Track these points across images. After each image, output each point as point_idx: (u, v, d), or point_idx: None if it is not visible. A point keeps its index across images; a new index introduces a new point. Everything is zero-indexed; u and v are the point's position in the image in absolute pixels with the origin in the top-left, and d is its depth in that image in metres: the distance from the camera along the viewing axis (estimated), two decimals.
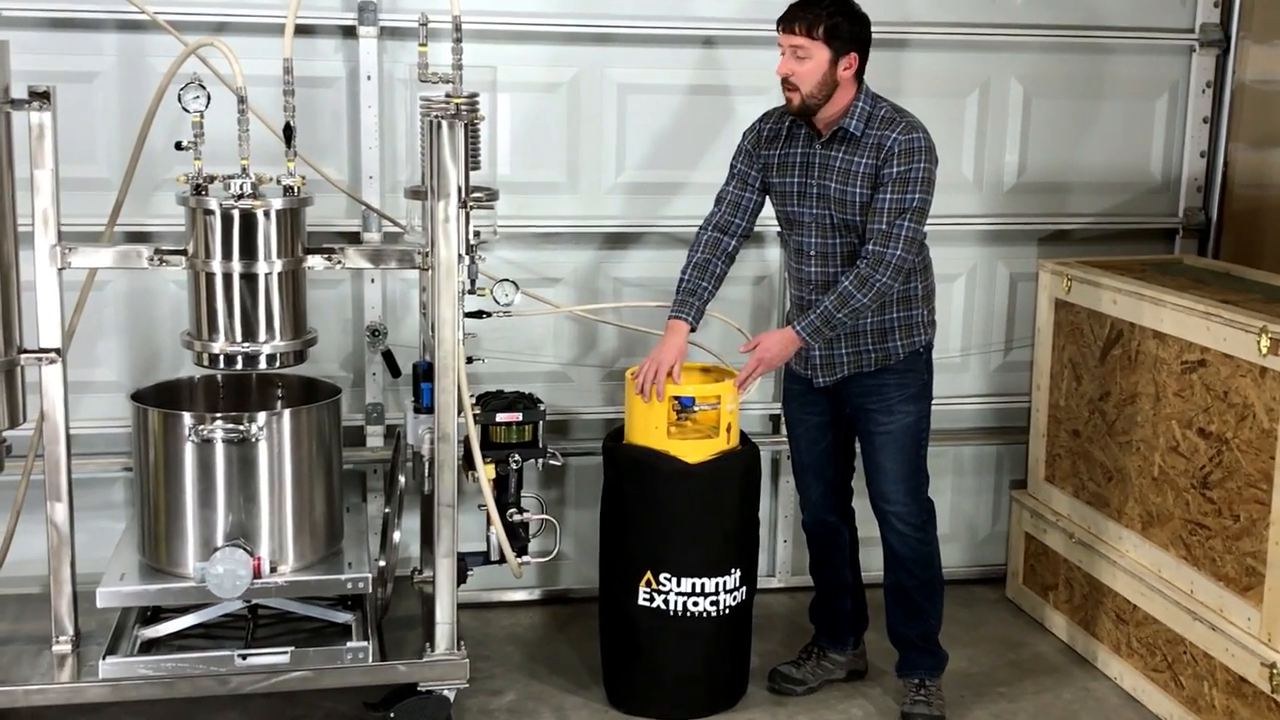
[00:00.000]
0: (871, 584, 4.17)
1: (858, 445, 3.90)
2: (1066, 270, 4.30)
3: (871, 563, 4.29)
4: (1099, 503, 4.20)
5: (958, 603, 4.53)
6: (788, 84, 3.49)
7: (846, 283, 3.48)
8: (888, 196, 3.46)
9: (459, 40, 3.36)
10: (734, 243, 3.76)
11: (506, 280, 3.67)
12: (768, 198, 3.75)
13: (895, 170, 3.45)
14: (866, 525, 4.07)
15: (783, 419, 4.04)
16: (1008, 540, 4.76)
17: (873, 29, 3.83)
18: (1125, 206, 4.76)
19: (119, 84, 4.02)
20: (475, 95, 3.52)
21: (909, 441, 3.72)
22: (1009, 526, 4.75)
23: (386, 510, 3.75)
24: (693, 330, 3.72)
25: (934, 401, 3.82)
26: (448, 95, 3.43)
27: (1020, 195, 4.67)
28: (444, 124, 3.27)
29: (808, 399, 3.84)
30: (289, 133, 3.34)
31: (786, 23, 3.47)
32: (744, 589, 3.77)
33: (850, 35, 3.46)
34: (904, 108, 3.59)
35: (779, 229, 3.86)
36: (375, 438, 4.34)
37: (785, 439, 4.52)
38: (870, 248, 3.48)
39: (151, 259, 3.36)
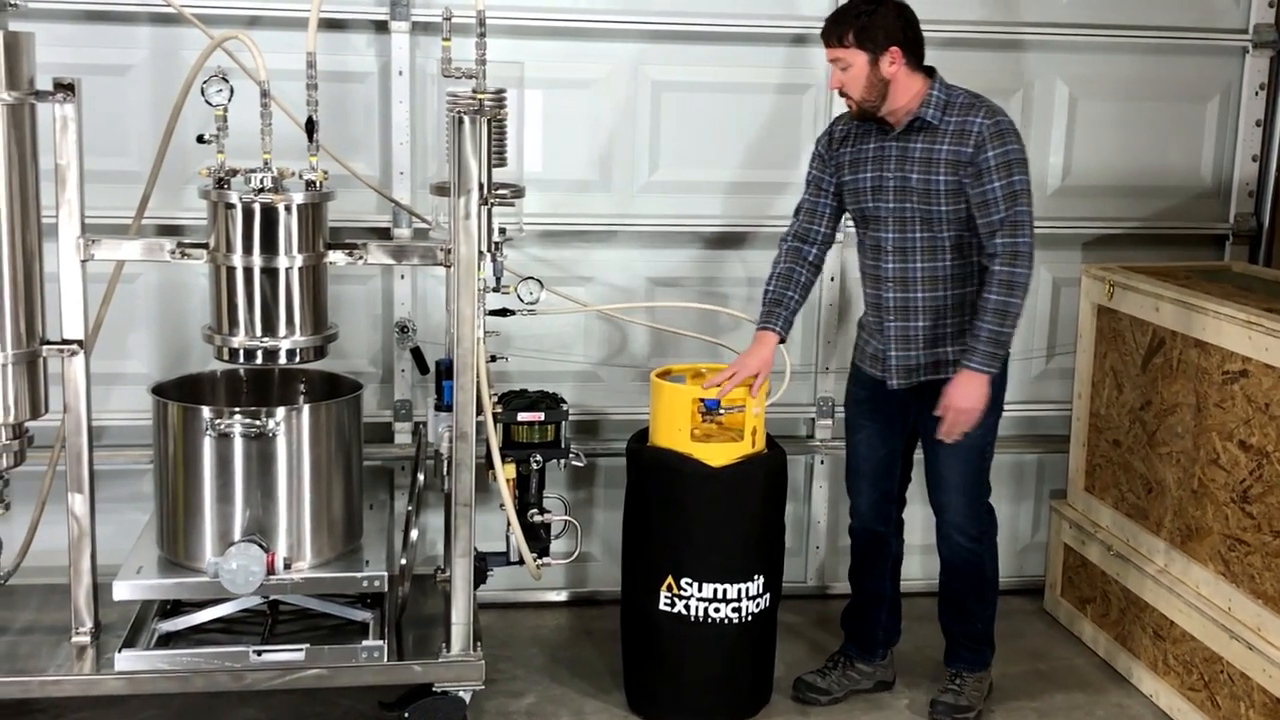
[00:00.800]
0: (910, 594, 4.12)
1: (917, 455, 3.85)
2: (1109, 276, 4.19)
3: (913, 571, 4.23)
4: (1138, 515, 4.09)
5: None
6: (842, 94, 3.52)
7: (993, 295, 3.41)
8: (995, 184, 3.41)
9: (483, 35, 3.32)
10: (815, 250, 3.73)
11: (531, 278, 3.64)
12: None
13: (992, 155, 3.41)
14: (914, 533, 4.03)
15: (844, 421, 3.94)
16: (1047, 551, 4.66)
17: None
18: (1174, 211, 4.63)
19: (151, 77, 4.03)
20: (502, 91, 3.49)
21: (974, 454, 3.67)
22: (1048, 537, 4.65)
23: (409, 509, 3.72)
24: (782, 341, 3.70)
25: (1000, 417, 3.71)
26: (473, 91, 3.39)
27: (1064, 198, 4.56)
28: (466, 119, 3.23)
29: (874, 405, 3.77)
30: (311, 127, 3.31)
31: (824, 39, 3.51)
32: (767, 595, 3.70)
33: (884, 32, 3.43)
34: (981, 94, 3.55)
35: (854, 229, 3.76)
36: (403, 434, 4.33)
37: (819, 443, 4.52)
38: (999, 243, 3.42)
39: (174, 252, 3.34)
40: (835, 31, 3.46)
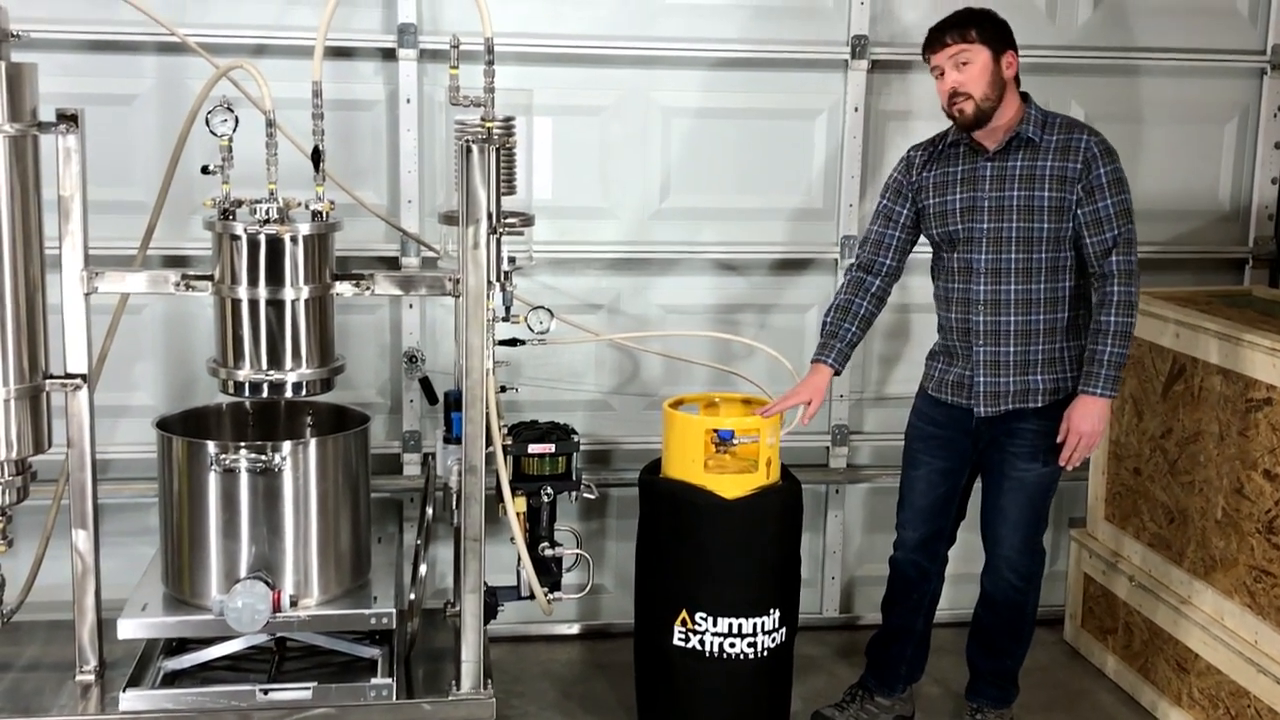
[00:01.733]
0: (947, 623, 4.05)
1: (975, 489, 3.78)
2: None
3: (953, 600, 4.14)
4: (1160, 545, 4.01)
5: None
6: (957, 96, 3.39)
7: (1116, 317, 3.37)
8: (1109, 201, 3.38)
9: (491, 63, 3.27)
10: (879, 282, 3.67)
11: (542, 308, 3.59)
12: (920, 224, 3.63)
13: (1105, 172, 3.39)
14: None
15: (903, 452, 3.80)
16: (1066, 580, 4.58)
17: (915, 51, 3.77)
18: (1192, 235, 4.57)
19: (157, 106, 4.00)
20: (510, 119, 3.44)
21: (1039, 493, 3.61)
22: (1068, 566, 4.57)
23: (418, 542, 3.66)
24: (837, 374, 3.67)
25: None
26: (481, 119, 3.35)
27: None
28: (474, 148, 3.18)
29: (939, 441, 3.68)
30: (317, 156, 3.27)
31: (935, 41, 3.42)
32: (784, 630, 3.63)
33: (1002, 36, 3.41)
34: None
35: (933, 254, 3.66)
36: (412, 465, 4.27)
37: (837, 471, 4.45)
38: (1115, 261, 3.38)
39: (178, 284, 3.30)
40: (956, 29, 3.38)
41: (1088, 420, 3.40)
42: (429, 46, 4.02)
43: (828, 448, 4.49)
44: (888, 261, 3.66)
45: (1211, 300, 4.10)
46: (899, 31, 4.25)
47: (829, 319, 3.68)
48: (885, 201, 3.67)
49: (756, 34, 4.20)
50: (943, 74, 3.41)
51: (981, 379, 3.51)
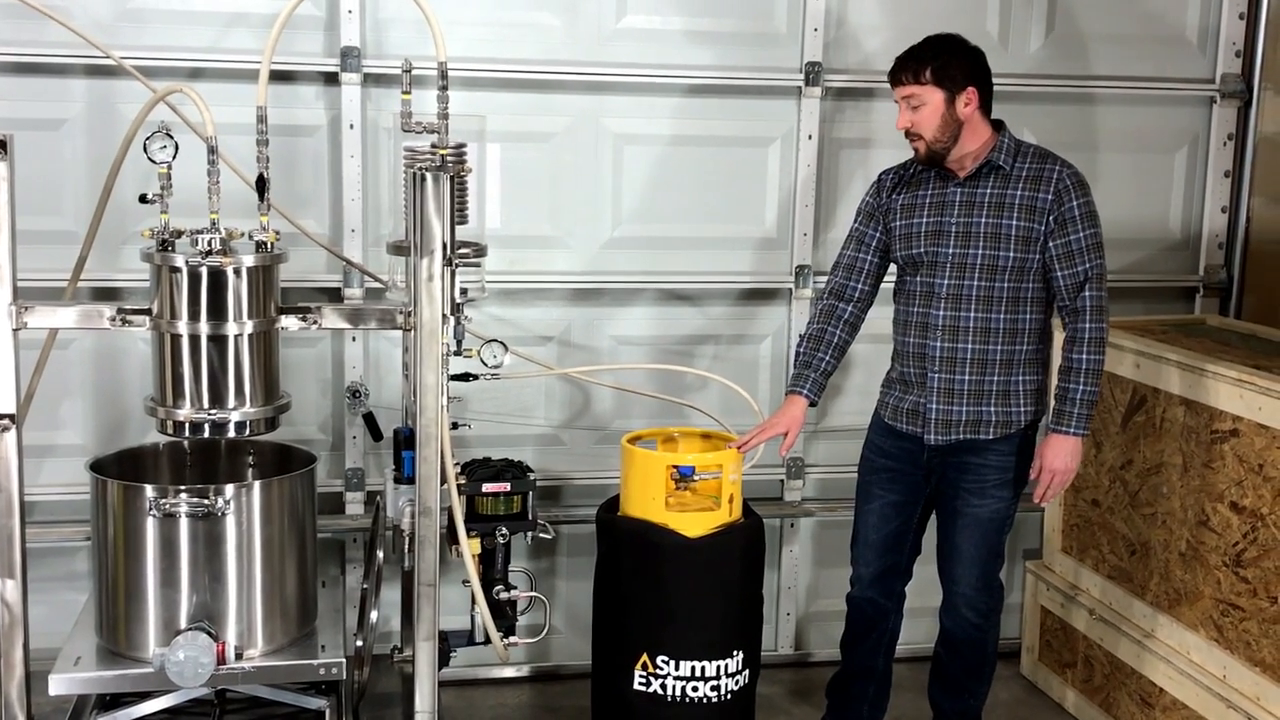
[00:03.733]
0: (905, 658, 3.97)
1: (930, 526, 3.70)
2: None
3: (909, 635, 4.06)
4: (1121, 577, 3.97)
5: None
6: (910, 135, 3.38)
7: (1084, 355, 3.33)
8: (1081, 234, 3.33)
9: (444, 88, 3.15)
10: (851, 309, 3.61)
11: (495, 341, 3.47)
12: (889, 245, 3.56)
13: (1077, 205, 3.34)
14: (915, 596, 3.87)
15: (856, 486, 3.73)
16: (1022, 613, 4.52)
17: (879, 79, 3.83)
18: (1143, 264, 4.56)
19: (87, 132, 3.83)
20: (463, 146, 3.33)
21: (993, 529, 3.52)
22: (1023, 599, 4.51)
23: (365, 586, 3.51)
24: (813, 404, 3.60)
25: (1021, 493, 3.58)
26: (433, 146, 3.23)
27: None
28: (429, 176, 3.05)
29: (892, 475, 3.60)
30: (262, 185, 3.12)
31: (894, 75, 3.39)
32: (747, 672, 3.53)
33: (963, 72, 3.34)
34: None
35: (897, 277, 3.60)
36: (355, 504, 4.12)
37: (792, 505, 4.36)
38: (1087, 297, 3.33)
39: (114, 319, 3.12)
40: (911, 67, 3.34)
41: (1060, 459, 3.36)
42: (373, 71, 3.89)
43: (782, 480, 4.40)
44: (860, 286, 3.60)
45: (1168, 329, 4.08)
46: (859, 59, 4.19)
47: (802, 349, 3.61)
48: (857, 225, 3.61)
49: (710, 60, 4.12)
50: (900, 106, 3.40)
51: (934, 406, 3.45)
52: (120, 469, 3.33)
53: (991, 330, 3.40)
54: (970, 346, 3.41)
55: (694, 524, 3.43)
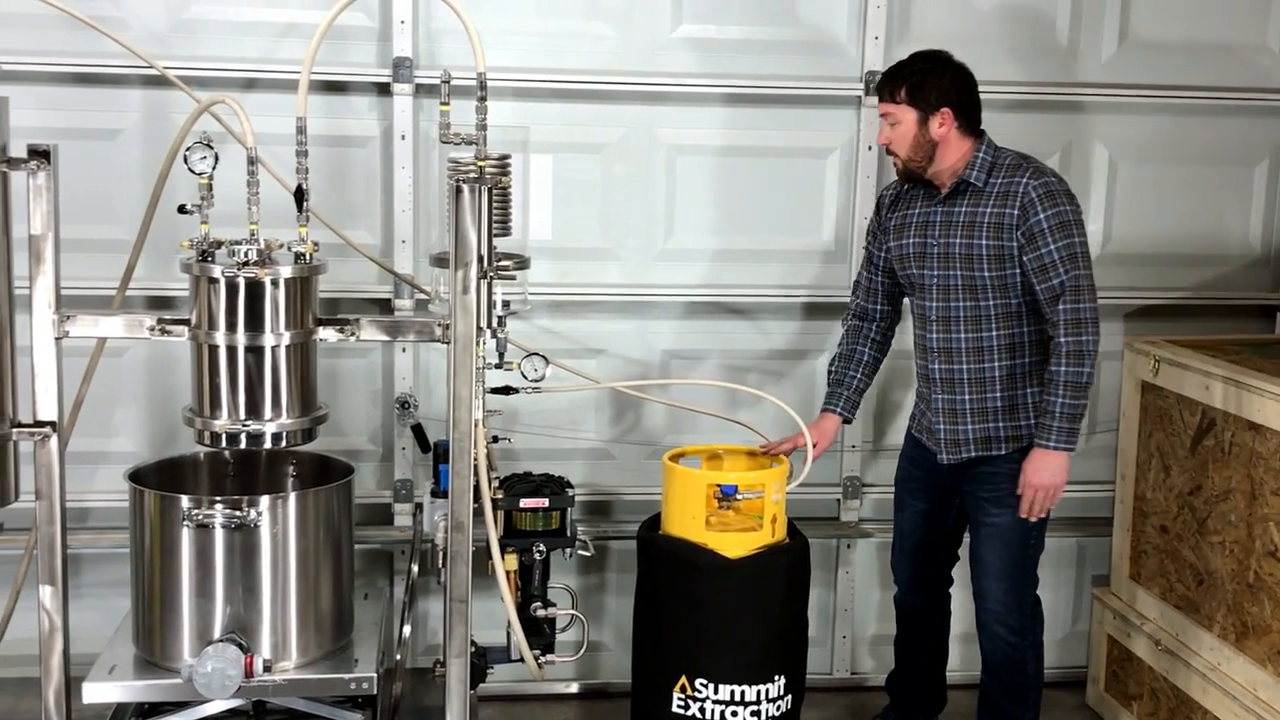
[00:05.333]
0: (964, 685, 3.95)
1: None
2: (1154, 350, 3.93)
3: (952, 662, 3.97)
4: (1188, 607, 3.80)
5: None
6: (889, 151, 3.42)
7: (1062, 367, 3.26)
8: (1051, 247, 3.26)
9: (483, 99, 3.12)
10: (876, 327, 3.69)
11: (536, 354, 3.43)
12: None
13: (1044, 218, 3.27)
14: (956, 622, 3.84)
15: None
16: (1089, 641, 4.37)
17: None
18: (1220, 280, 4.38)
19: (142, 142, 3.86)
20: (506, 156, 3.29)
21: (1017, 538, 3.46)
22: (1090, 626, 4.36)
23: (404, 600, 3.49)
24: (847, 422, 3.71)
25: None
26: (474, 157, 3.19)
27: (1104, 267, 4.24)
28: (464, 187, 3.02)
29: (920, 484, 3.66)
30: (301, 195, 3.11)
31: (877, 92, 3.46)
32: (789, 698, 3.44)
33: (938, 93, 3.33)
34: (1030, 155, 3.44)
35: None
36: (404, 516, 4.09)
37: (849, 525, 4.27)
38: (1062, 310, 3.26)
39: (154, 328, 3.13)
40: (888, 86, 3.37)
41: (1041, 474, 3.31)
42: (425, 81, 3.87)
43: (839, 500, 4.30)
44: (878, 306, 3.66)
45: (1241, 349, 3.90)
46: None
47: (834, 368, 3.70)
48: (868, 245, 3.68)
49: (766, 69, 4.04)
50: (881, 125, 3.43)
51: (941, 426, 3.48)
52: (160, 479, 3.35)
53: (985, 349, 3.39)
54: (966, 367, 3.41)
55: (735, 544, 3.35)
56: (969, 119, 3.37)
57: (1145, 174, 4.28)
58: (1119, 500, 4.16)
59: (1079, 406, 3.28)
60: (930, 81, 3.33)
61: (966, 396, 3.42)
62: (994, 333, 3.37)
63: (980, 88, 4.04)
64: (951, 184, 3.37)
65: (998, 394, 3.40)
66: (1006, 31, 4.13)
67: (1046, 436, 3.30)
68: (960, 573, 3.76)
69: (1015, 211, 3.28)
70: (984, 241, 3.32)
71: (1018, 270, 3.31)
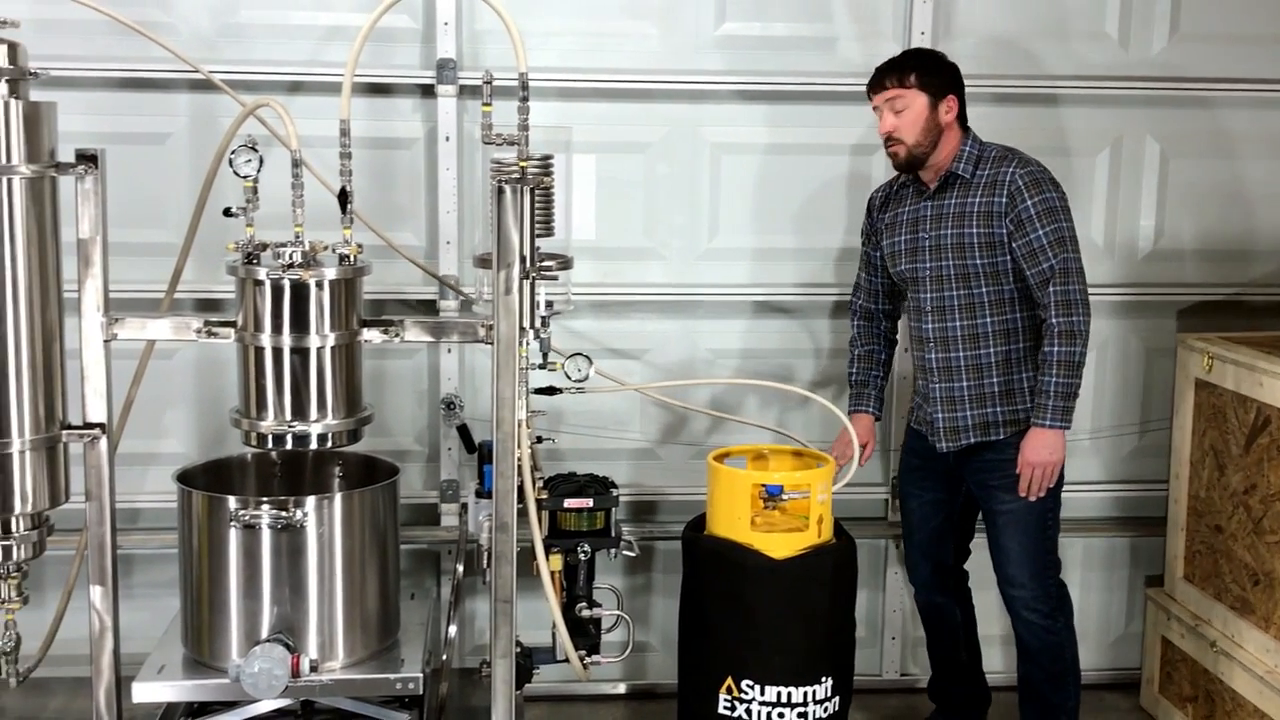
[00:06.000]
0: (1006, 687, 3.89)
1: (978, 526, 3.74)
2: (1207, 347, 3.87)
3: (993, 664, 3.96)
4: (1244, 609, 3.74)
5: (1087, 708, 4.08)
6: (891, 140, 3.46)
7: (1055, 347, 3.34)
8: (1040, 232, 3.35)
9: (525, 99, 3.11)
10: (883, 324, 3.80)
11: (579, 354, 3.43)
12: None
13: (1032, 204, 3.36)
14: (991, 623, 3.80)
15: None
16: (1143, 642, 4.31)
17: (993, 83, 3.93)
18: (1275, 275, 4.29)
19: (190, 145, 3.89)
20: (549, 157, 3.29)
21: (1034, 521, 3.49)
22: (1144, 628, 4.30)
23: (450, 599, 3.49)
24: (877, 419, 3.81)
25: (1062, 488, 3.55)
26: (517, 157, 3.19)
27: (1156, 263, 4.25)
28: (506, 188, 3.02)
29: (925, 473, 3.70)
30: (344, 198, 3.12)
31: (876, 83, 3.49)
32: (836, 699, 3.42)
33: (944, 81, 3.44)
34: (1015, 148, 3.52)
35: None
36: (450, 516, 4.10)
37: (896, 525, 4.23)
38: (1052, 292, 3.35)
39: (200, 331, 3.16)
40: (895, 73, 3.44)
41: (1038, 452, 3.37)
42: (469, 82, 3.88)
43: (886, 500, 4.26)
44: (882, 306, 3.77)
45: None
46: (972, 63, 4.00)
47: (854, 370, 3.80)
48: (864, 247, 3.78)
49: (812, 66, 4.02)
50: (881, 114, 3.47)
51: (940, 415, 3.54)
52: (208, 479, 3.38)
53: (981, 335, 3.47)
54: (963, 354, 3.49)
55: (780, 545, 3.33)
56: (963, 112, 3.48)
57: (1197, 168, 4.21)
58: (1172, 500, 4.09)
59: (1073, 385, 3.34)
60: (936, 69, 3.44)
61: (964, 383, 3.48)
62: (988, 319, 3.45)
63: (1028, 82, 4.06)
64: (940, 178, 3.46)
65: (994, 380, 3.46)
66: (1054, 25, 4.08)
67: (1043, 415, 3.35)
68: (984, 572, 3.73)
69: (1004, 199, 3.37)
70: (975, 230, 3.40)
71: (1008, 257, 3.40)
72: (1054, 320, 3.33)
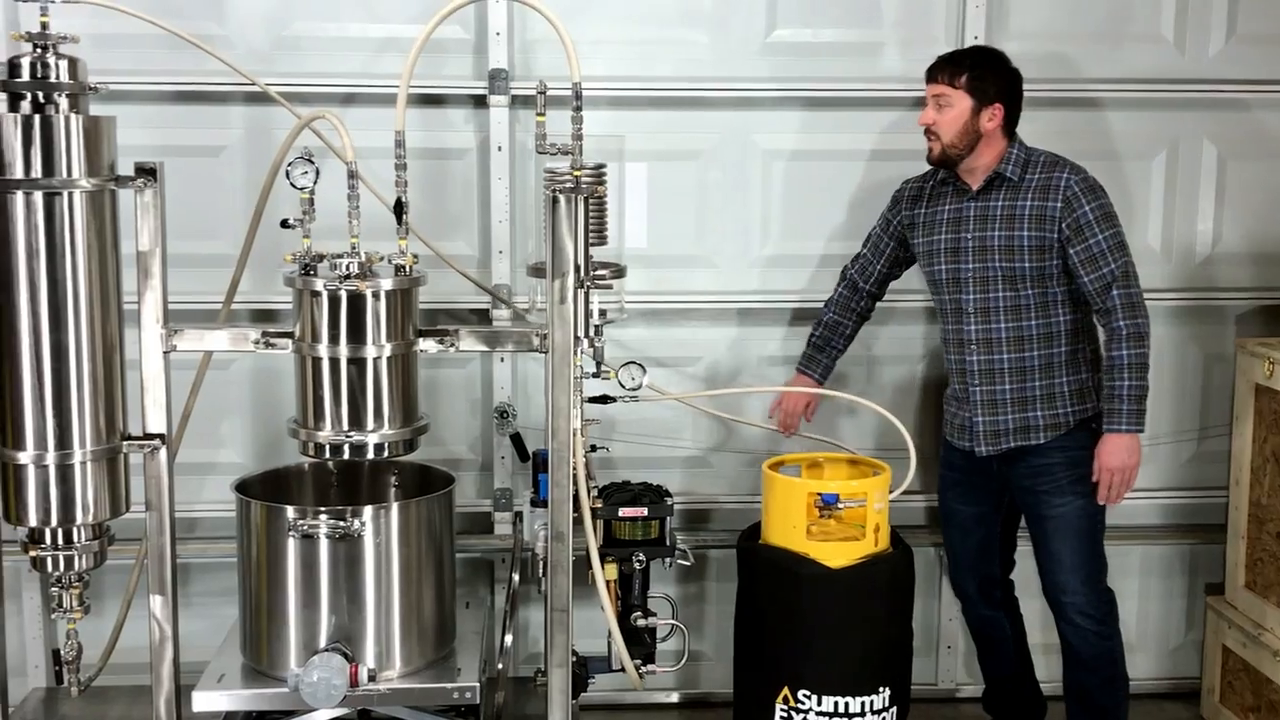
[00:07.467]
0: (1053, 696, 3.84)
1: (1020, 535, 3.73)
2: (1269, 352, 3.82)
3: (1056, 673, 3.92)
4: None
5: (1147, 718, 4.07)
6: (929, 133, 3.49)
7: (1126, 350, 3.35)
8: (1100, 236, 3.37)
9: (579, 109, 3.11)
10: (863, 303, 3.82)
11: (633, 363, 3.42)
12: (915, 263, 3.71)
13: (1090, 210, 3.38)
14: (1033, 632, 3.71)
15: (938, 508, 3.86)
16: (1202, 651, 4.26)
17: (1047, 87, 3.85)
18: None
19: (245, 157, 3.93)
20: (601, 166, 3.29)
21: (1085, 525, 3.48)
22: (1204, 636, 4.24)
23: (505, 608, 3.50)
24: (819, 385, 3.82)
25: None
26: (570, 167, 3.20)
27: (1214, 267, 4.19)
28: (560, 198, 3.03)
29: (966, 486, 3.67)
30: (400, 209, 3.14)
31: (931, 73, 3.53)
32: (894, 710, 3.40)
33: (996, 88, 3.42)
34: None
35: (930, 296, 3.69)
36: (504, 524, 4.12)
37: None
38: (1115, 295, 3.36)
39: (258, 342, 3.19)
40: (948, 69, 3.45)
41: (1116, 456, 3.36)
42: (520, 92, 3.89)
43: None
44: (868, 287, 3.80)
45: None
46: (1031, 67, 3.96)
47: (817, 333, 3.82)
48: (877, 229, 3.79)
49: (864, 72, 4.00)
50: (928, 103, 3.49)
51: (980, 418, 3.52)
52: (265, 489, 3.39)
53: (1025, 338, 3.47)
54: (1006, 356, 3.48)
55: (837, 554, 3.32)
56: (1011, 120, 3.48)
57: (1255, 171, 4.16)
58: (1233, 506, 4.04)
59: (1145, 388, 3.35)
60: (991, 75, 3.43)
61: (1006, 386, 3.47)
62: (1033, 322, 3.44)
63: (1082, 86, 4.02)
64: (985, 179, 3.45)
65: (1037, 383, 3.45)
66: (1108, 27, 4.05)
67: (1118, 420, 3.34)
68: (1026, 581, 3.71)
69: (1058, 204, 3.37)
70: (1026, 233, 3.40)
71: (1057, 260, 3.39)
72: (1121, 324, 3.33)
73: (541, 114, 3.15)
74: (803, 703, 3.32)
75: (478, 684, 3.20)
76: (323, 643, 3.16)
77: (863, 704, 3.32)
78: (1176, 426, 4.26)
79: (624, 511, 3.39)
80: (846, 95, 4.01)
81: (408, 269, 3.16)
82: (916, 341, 4.17)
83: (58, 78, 2.94)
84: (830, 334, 3.80)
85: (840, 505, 3.35)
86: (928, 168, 3.94)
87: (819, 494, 3.34)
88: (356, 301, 3.09)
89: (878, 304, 3.92)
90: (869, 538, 3.34)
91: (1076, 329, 3.47)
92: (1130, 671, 3.69)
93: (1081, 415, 3.47)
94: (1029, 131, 3.93)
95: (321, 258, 3.14)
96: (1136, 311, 3.35)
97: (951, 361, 3.61)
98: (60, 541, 3.09)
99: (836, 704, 3.31)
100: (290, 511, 3.16)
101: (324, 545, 3.15)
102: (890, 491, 3.44)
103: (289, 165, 3.10)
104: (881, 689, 3.35)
